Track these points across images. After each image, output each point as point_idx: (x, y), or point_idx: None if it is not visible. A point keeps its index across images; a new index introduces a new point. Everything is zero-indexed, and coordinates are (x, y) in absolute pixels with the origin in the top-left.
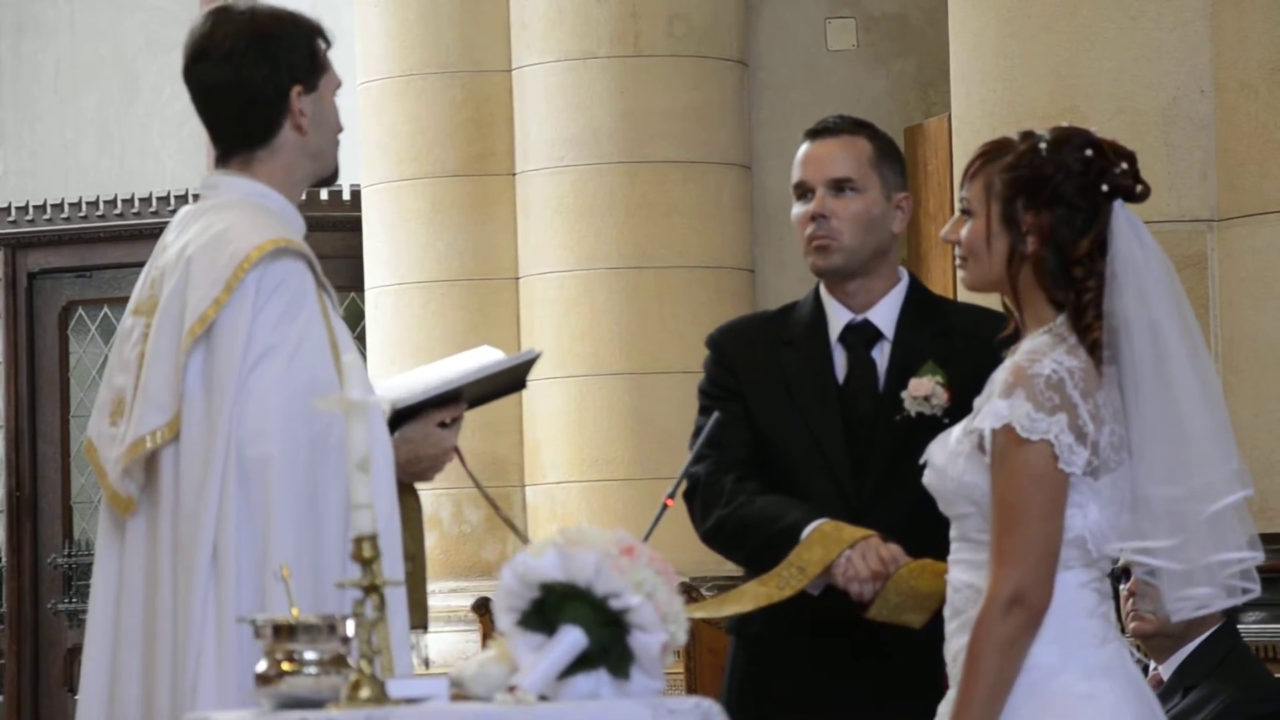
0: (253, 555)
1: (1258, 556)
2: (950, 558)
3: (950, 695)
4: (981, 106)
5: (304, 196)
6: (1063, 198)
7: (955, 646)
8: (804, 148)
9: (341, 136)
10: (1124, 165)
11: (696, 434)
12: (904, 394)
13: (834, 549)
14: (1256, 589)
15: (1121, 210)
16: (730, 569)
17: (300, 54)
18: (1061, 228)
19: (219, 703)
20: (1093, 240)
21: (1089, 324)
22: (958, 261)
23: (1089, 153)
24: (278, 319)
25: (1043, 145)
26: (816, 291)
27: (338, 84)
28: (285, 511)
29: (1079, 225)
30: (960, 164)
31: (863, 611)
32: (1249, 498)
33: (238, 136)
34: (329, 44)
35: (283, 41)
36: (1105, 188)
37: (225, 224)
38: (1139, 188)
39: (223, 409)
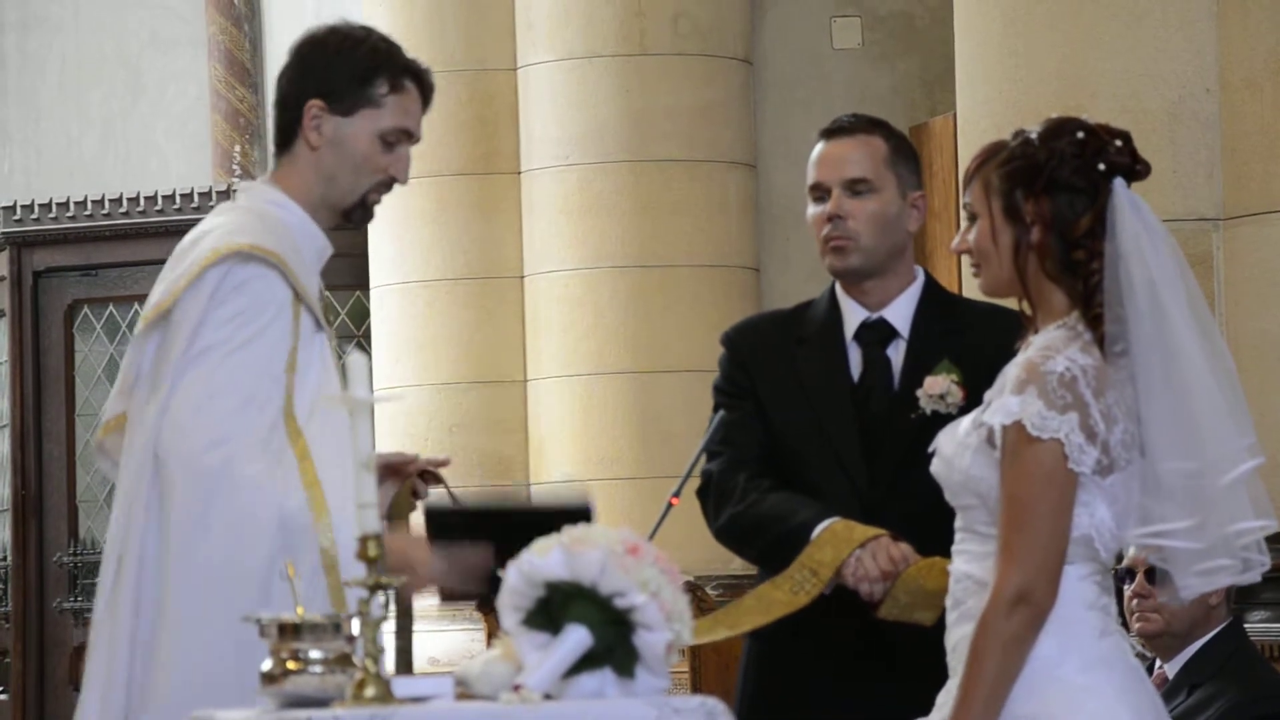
0: (151, 554)
1: (1270, 524)
2: (954, 547)
3: (950, 685)
4: (987, 105)
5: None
6: (1060, 182)
7: (955, 636)
8: (818, 148)
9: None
10: (1118, 143)
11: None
12: (919, 392)
13: (844, 549)
14: (1267, 561)
15: (1122, 189)
16: (736, 568)
17: (339, 72)
18: (1063, 212)
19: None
20: (1092, 218)
21: (1097, 312)
22: (972, 270)
23: (1081, 135)
24: (229, 318)
25: (1034, 136)
26: (832, 289)
27: (393, 130)
28: (178, 514)
29: (1080, 208)
30: (966, 163)
31: (873, 611)
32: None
33: (275, 137)
34: (398, 86)
35: (327, 53)
36: (1102, 166)
37: (215, 225)
38: (1138, 165)
39: (154, 401)
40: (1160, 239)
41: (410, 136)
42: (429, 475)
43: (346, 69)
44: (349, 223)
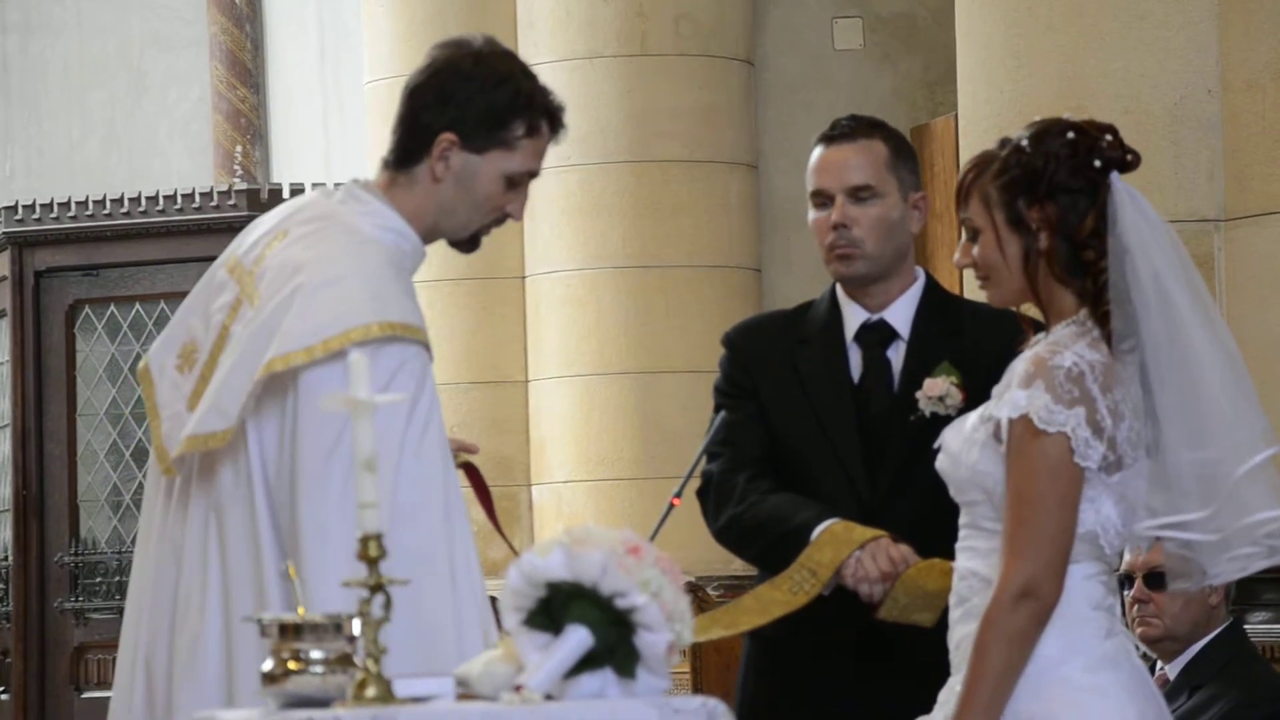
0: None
1: None
2: (958, 544)
3: (951, 682)
4: (988, 106)
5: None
6: (1060, 185)
7: (959, 634)
8: (818, 152)
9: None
10: (1108, 137)
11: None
12: (919, 394)
13: (844, 550)
14: None
15: (1119, 183)
16: (737, 568)
17: (480, 110)
18: (1068, 214)
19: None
20: (1096, 216)
21: (1106, 309)
22: (980, 283)
23: (1071, 135)
24: (409, 409)
25: (1025, 142)
26: (833, 290)
27: (521, 171)
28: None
29: (1083, 207)
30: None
31: (873, 612)
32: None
33: (394, 144)
34: (535, 130)
35: (470, 88)
36: (1097, 163)
37: (347, 268)
38: (1129, 156)
39: (317, 474)
40: (1160, 231)
41: (534, 176)
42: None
43: (486, 107)
44: (454, 249)
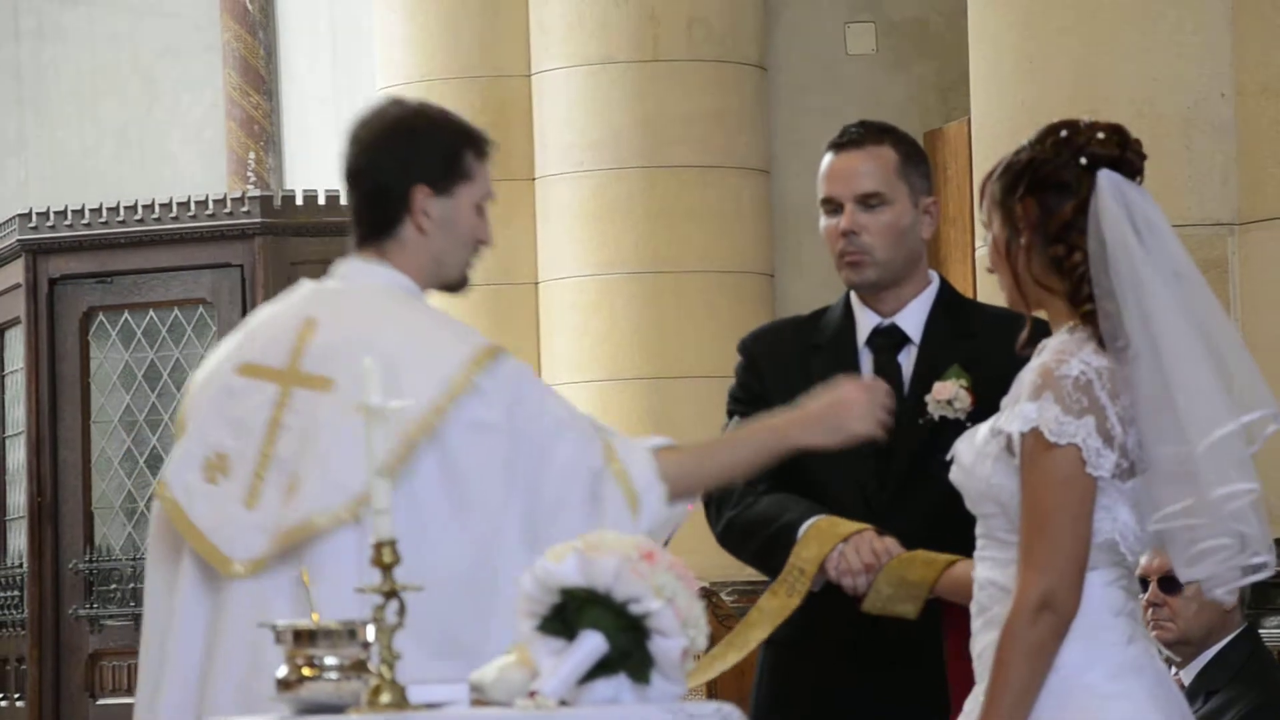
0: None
1: (1254, 489)
2: (975, 554)
3: (976, 691)
4: (1001, 110)
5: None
6: (1043, 180)
7: (981, 643)
8: (828, 160)
9: None
10: (1101, 135)
11: None
12: (927, 397)
13: (828, 544)
14: (1270, 559)
15: (1109, 180)
16: (750, 573)
17: (435, 155)
18: (1050, 209)
19: None
20: (1072, 209)
21: (1087, 309)
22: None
23: (1064, 133)
24: (539, 402)
25: (1028, 142)
26: (847, 296)
27: (484, 196)
28: None
29: (1064, 204)
30: (980, 168)
31: (859, 605)
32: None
33: (368, 224)
34: (482, 154)
35: (419, 139)
36: (1084, 160)
37: (414, 324)
38: (1128, 154)
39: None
40: (1146, 226)
41: (492, 198)
42: None
43: (441, 150)
44: (449, 293)
